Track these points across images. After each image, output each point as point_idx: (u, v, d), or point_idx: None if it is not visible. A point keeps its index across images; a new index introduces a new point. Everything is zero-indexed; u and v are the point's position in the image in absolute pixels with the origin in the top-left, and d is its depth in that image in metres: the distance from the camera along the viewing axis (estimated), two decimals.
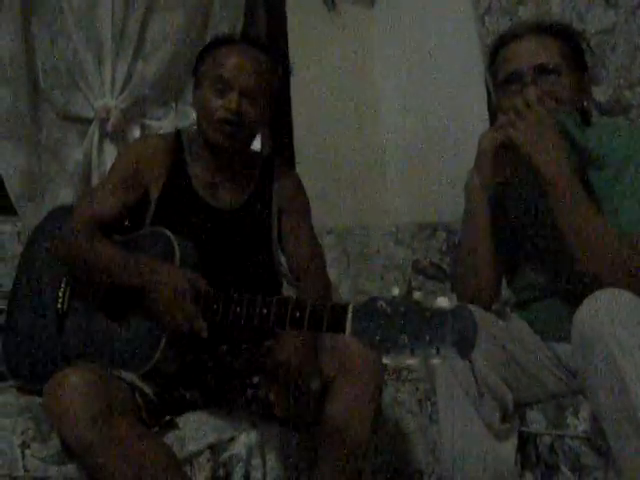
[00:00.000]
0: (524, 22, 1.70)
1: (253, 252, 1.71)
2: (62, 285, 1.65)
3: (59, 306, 1.62)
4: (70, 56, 2.23)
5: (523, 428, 1.56)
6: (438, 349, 1.06)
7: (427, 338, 1.06)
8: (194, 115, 2.44)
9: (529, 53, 1.56)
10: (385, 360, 1.08)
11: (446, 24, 2.81)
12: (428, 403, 1.76)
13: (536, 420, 1.57)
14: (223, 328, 1.42)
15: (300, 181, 1.82)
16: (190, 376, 1.60)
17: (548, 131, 1.47)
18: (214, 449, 1.51)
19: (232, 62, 1.60)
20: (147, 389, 1.47)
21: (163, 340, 1.45)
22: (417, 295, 1.09)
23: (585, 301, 1.35)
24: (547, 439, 1.56)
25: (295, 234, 1.75)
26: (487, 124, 2.62)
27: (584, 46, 1.63)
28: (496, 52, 1.63)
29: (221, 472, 1.50)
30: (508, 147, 1.52)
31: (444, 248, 2.46)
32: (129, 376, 1.46)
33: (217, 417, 1.57)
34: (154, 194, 1.66)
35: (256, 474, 1.53)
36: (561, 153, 1.46)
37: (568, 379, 1.57)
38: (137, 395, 1.45)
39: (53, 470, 1.38)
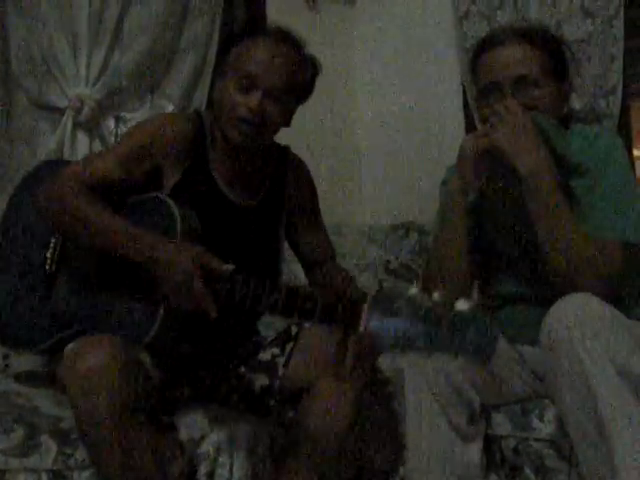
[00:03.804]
0: (505, 28, 1.68)
1: (260, 251, 1.65)
2: (51, 245, 1.53)
3: (47, 267, 1.52)
4: (45, 43, 2.20)
5: (488, 430, 1.57)
6: (457, 354, 1.06)
7: (446, 343, 1.06)
8: (170, 108, 2.45)
9: (509, 64, 1.55)
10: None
11: (426, 25, 2.82)
12: (395, 403, 1.76)
13: (501, 422, 1.58)
14: (223, 310, 1.31)
15: (310, 174, 1.77)
16: (186, 372, 1.56)
17: (529, 134, 1.47)
18: (183, 447, 1.49)
19: (260, 58, 1.50)
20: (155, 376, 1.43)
21: (160, 312, 1.36)
22: (436, 296, 1.08)
23: (554, 305, 1.37)
24: (512, 441, 1.57)
25: (312, 230, 1.74)
26: (463, 126, 2.63)
27: (567, 53, 1.63)
28: (477, 58, 1.62)
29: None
30: (490, 154, 1.52)
31: (417, 249, 2.47)
32: (146, 361, 1.40)
33: (188, 414, 1.55)
34: (170, 178, 1.56)
35: (223, 472, 1.52)
36: (542, 156, 1.47)
37: (535, 383, 1.58)
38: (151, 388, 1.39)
39: (14, 462, 1.36)
